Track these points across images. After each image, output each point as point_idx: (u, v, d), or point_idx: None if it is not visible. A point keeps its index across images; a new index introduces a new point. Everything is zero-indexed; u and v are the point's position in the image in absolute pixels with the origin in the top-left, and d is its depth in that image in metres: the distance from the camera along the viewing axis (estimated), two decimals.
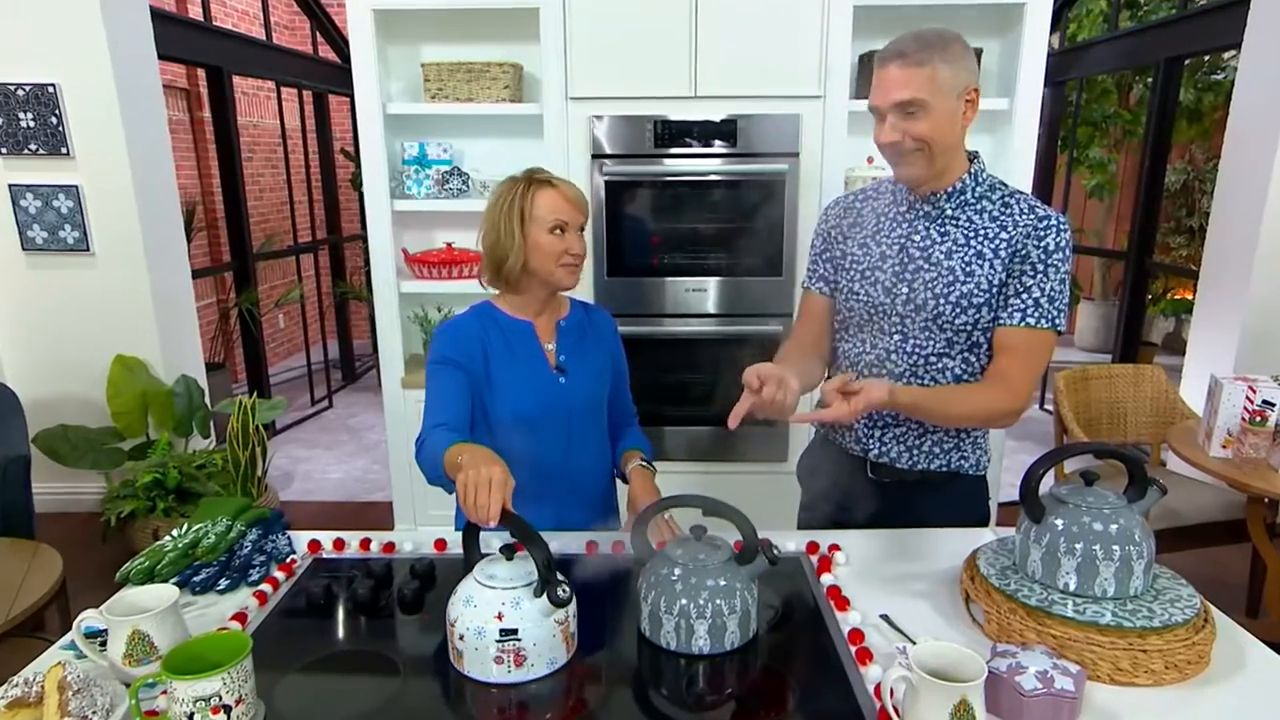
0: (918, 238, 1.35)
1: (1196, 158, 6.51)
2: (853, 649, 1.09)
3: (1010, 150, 2.77)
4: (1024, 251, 1.27)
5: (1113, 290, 6.78)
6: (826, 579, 1.27)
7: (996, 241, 1.29)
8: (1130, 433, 2.98)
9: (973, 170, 1.33)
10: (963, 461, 1.43)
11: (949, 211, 1.33)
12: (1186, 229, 6.48)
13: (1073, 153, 5.32)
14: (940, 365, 1.36)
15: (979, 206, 1.32)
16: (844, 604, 1.20)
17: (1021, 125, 2.74)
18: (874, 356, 1.40)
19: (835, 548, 1.36)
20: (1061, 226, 1.28)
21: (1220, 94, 5.95)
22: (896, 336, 1.37)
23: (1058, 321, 1.28)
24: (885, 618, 1.18)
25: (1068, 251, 1.28)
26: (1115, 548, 1.06)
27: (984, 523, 1.48)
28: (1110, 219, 6.84)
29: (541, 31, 2.69)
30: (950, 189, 1.32)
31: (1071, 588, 1.08)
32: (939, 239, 1.33)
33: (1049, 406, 4.76)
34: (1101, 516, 1.08)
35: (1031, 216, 1.29)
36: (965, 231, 1.32)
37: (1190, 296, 4.92)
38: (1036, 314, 1.27)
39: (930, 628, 1.15)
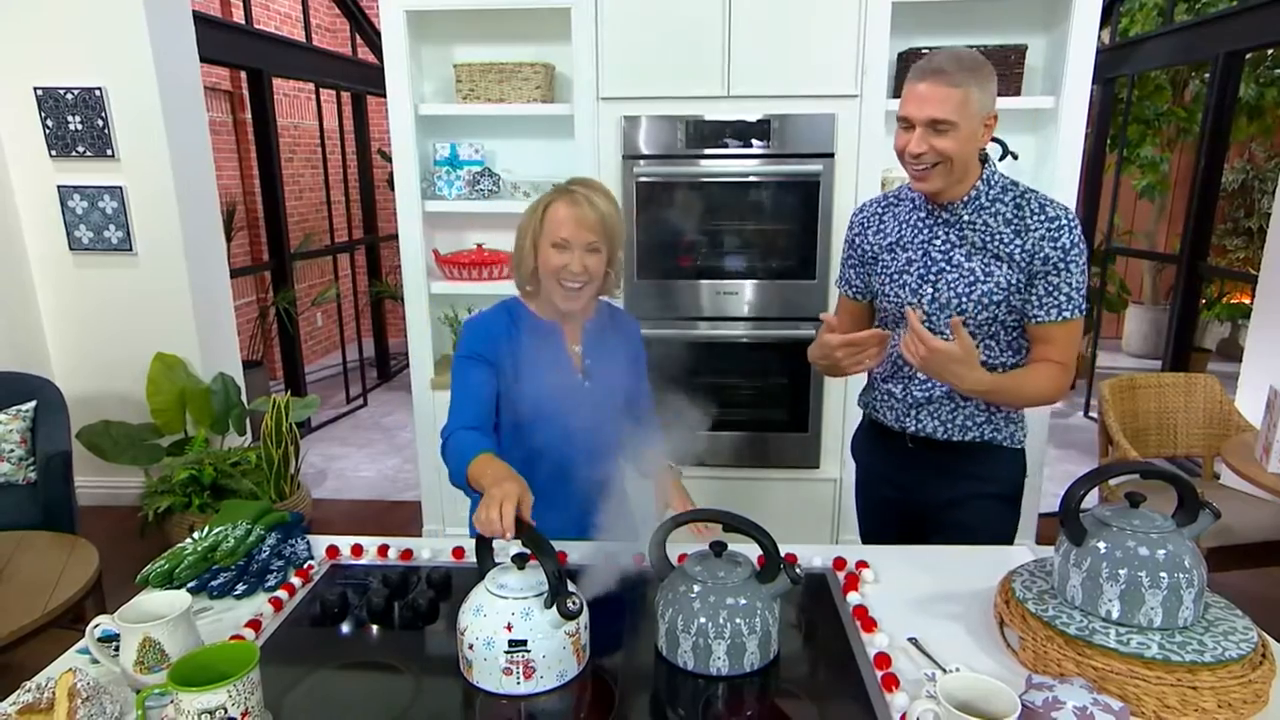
0: (939, 242, 1.48)
1: (1257, 156, 6.25)
2: (879, 674, 1.04)
3: (1055, 150, 2.66)
4: (1042, 254, 1.39)
5: (1163, 294, 6.54)
6: (853, 598, 1.22)
7: (1012, 247, 1.41)
8: (1180, 445, 2.85)
9: (985, 175, 1.44)
10: (995, 434, 1.52)
11: (965, 217, 1.45)
12: (1245, 230, 6.22)
13: (1122, 152, 5.13)
14: None
15: (993, 210, 1.44)
16: (871, 625, 1.15)
17: (1068, 124, 2.63)
18: None
19: (863, 564, 1.31)
20: (1072, 224, 1.40)
21: None
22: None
23: (1084, 307, 1.43)
24: (914, 641, 1.13)
25: (1082, 245, 1.40)
26: (1163, 575, 0.99)
27: (1018, 495, 1.56)
28: (1162, 220, 6.60)
29: (573, 31, 2.67)
30: (966, 197, 1.44)
31: (1114, 616, 1.02)
32: (958, 243, 1.46)
33: (1094, 414, 4.60)
34: (1148, 541, 1.01)
35: (1043, 218, 1.40)
36: (983, 235, 1.44)
37: (1248, 301, 4.71)
38: (1070, 307, 1.41)
39: (961, 653, 1.10)
